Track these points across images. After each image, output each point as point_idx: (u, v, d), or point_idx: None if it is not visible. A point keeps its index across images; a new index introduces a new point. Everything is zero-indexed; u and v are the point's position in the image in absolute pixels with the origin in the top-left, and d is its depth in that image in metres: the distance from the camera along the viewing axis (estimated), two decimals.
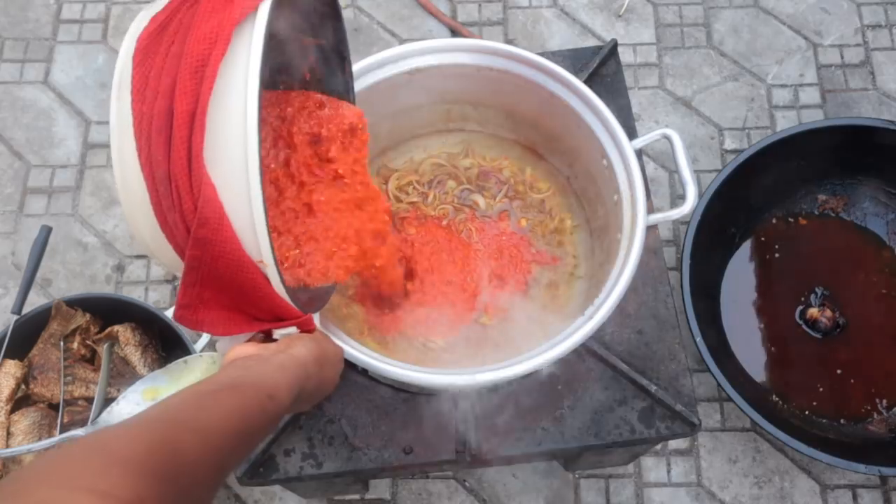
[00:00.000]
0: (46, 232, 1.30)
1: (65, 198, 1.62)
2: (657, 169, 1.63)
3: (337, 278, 0.81)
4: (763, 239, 1.49)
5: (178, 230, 0.63)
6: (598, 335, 0.89)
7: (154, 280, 1.55)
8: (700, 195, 1.35)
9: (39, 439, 1.20)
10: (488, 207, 1.11)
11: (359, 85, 0.95)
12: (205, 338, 1.28)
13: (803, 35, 1.75)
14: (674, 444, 1.41)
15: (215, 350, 1.22)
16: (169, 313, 1.26)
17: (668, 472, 1.40)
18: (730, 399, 1.25)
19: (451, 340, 1.00)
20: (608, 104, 0.97)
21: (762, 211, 1.49)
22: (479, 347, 1.00)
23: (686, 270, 1.32)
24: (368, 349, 0.88)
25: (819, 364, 1.40)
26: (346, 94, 0.89)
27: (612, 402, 0.97)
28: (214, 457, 0.54)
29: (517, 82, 1.02)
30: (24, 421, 1.22)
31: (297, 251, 0.77)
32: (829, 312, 1.41)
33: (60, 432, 1.20)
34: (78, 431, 1.15)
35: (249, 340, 0.70)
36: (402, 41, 1.76)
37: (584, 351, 0.98)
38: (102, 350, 1.23)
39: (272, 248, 0.63)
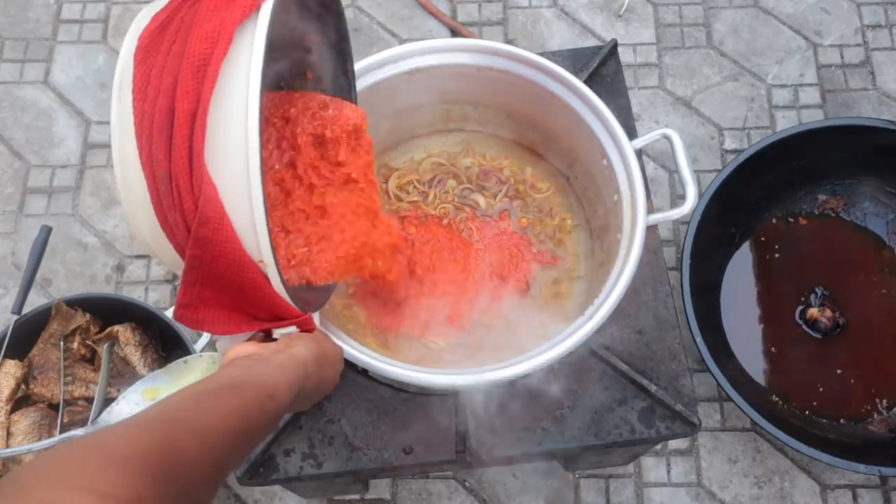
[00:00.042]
0: (46, 232, 1.30)
1: (65, 198, 1.62)
2: (657, 169, 1.63)
3: (341, 277, 0.81)
4: (763, 239, 1.48)
5: (179, 229, 0.63)
6: (598, 335, 0.89)
7: (154, 280, 1.55)
8: (700, 195, 1.35)
9: (39, 439, 1.20)
10: (489, 207, 1.11)
11: (359, 85, 0.95)
12: (205, 338, 1.28)
13: (803, 35, 1.75)
14: (674, 444, 1.41)
15: (215, 350, 1.22)
16: (169, 313, 1.26)
17: (668, 472, 1.40)
18: (730, 399, 1.25)
19: (451, 340, 1.00)
20: (608, 104, 0.97)
21: (762, 211, 1.49)
22: (479, 347, 1.00)
23: (686, 270, 1.32)
24: (369, 349, 0.88)
25: (819, 364, 1.40)
26: (349, 93, 0.90)
27: (612, 402, 0.97)
28: (214, 456, 0.54)
29: (517, 82, 1.02)
30: (24, 421, 1.22)
31: (306, 249, 0.77)
32: (829, 312, 1.41)
33: (60, 432, 1.20)
34: (78, 431, 1.15)
35: (249, 340, 0.70)
36: (402, 41, 1.76)
37: (584, 351, 0.98)
38: (102, 350, 1.23)
39: (272, 247, 0.63)
